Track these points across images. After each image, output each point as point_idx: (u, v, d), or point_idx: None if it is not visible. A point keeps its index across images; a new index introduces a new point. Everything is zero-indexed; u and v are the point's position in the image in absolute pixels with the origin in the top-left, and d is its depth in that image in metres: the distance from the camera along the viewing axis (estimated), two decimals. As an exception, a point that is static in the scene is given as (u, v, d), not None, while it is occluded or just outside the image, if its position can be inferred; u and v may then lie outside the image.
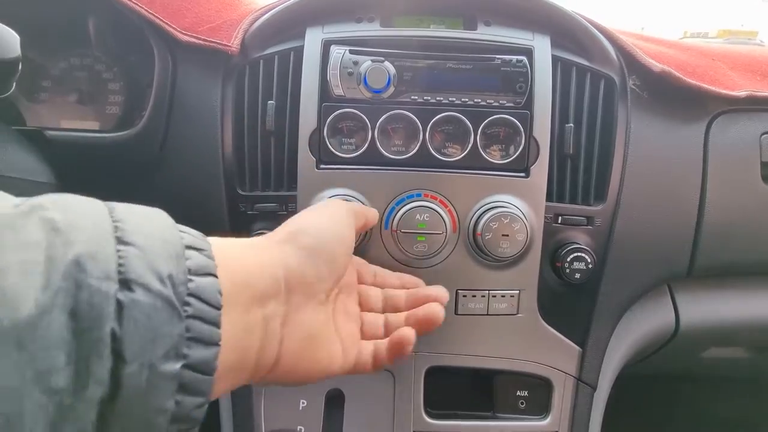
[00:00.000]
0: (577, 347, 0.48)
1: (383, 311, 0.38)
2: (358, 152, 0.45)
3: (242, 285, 0.25)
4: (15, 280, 0.16)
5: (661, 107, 0.49)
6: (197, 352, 0.20)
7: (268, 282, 0.27)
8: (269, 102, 0.46)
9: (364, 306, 0.38)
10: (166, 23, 0.46)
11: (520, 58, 0.45)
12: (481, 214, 0.43)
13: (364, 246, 0.44)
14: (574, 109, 0.47)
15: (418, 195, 0.44)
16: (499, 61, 0.45)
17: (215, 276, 0.22)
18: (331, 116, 0.44)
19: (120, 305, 0.18)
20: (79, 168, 0.49)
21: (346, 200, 0.43)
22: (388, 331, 0.37)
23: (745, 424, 0.85)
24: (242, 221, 0.48)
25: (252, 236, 0.46)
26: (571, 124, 0.46)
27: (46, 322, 0.16)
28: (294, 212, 0.46)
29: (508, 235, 0.42)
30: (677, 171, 0.49)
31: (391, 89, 0.44)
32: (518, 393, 0.48)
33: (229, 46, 0.46)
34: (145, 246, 0.20)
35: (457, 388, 0.50)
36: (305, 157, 0.45)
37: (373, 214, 0.41)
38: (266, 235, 0.31)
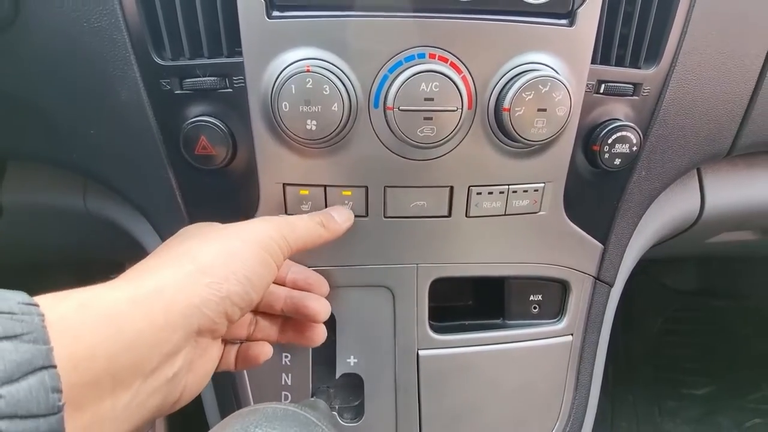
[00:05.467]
0: (599, 244, 0.42)
1: (256, 308, 0.34)
2: (330, -12, 0.29)
3: (131, 357, 0.21)
4: None
5: None
6: None
7: (180, 336, 0.23)
8: None
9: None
10: None
11: None
12: (508, 81, 0.31)
13: (347, 134, 0.32)
14: None
15: (422, 55, 0.31)
16: None
17: (48, 367, 0.17)
18: (282, -77, 0.28)
19: None
20: None
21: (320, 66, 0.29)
22: (253, 333, 0.34)
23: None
24: (171, 106, 0.34)
25: (188, 127, 0.33)
26: (633, -56, 0.32)
27: None
28: (243, 88, 0.32)
29: (545, 110, 0.31)
30: (748, 17, 0.37)
31: None
32: (531, 298, 0.42)
33: None
34: None
35: (463, 297, 0.44)
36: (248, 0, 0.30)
37: (312, 235, 0.32)
38: (178, 267, 0.25)
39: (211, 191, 0.36)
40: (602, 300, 0.44)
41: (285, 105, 0.30)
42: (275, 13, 0.30)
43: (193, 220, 0.38)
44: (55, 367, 0.17)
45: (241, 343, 0.34)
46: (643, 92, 0.37)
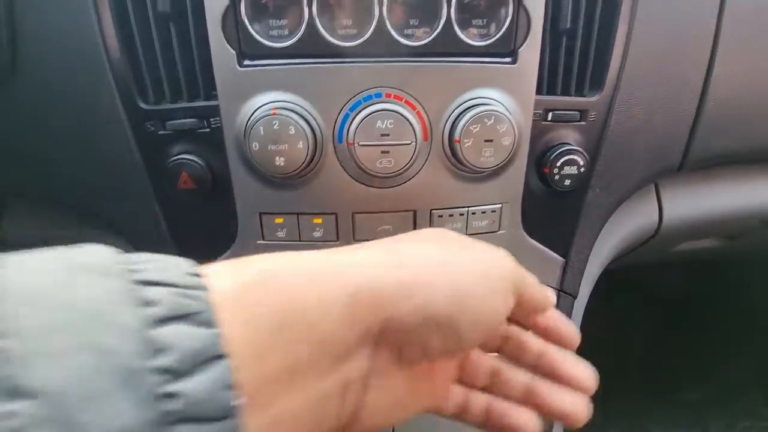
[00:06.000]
0: (560, 258, 0.44)
1: (487, 389, 0.26)
2: (293, 39, 0.33)
3: (309, 349, 0.17)
4: None
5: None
6: None
7: (357, 334, 0.18)
8: (155, -32, 0.32)
9: (464, 377, 0.26)
10: None
11: None
12: (458, 116, 0.34)
13: (315, 167, 0.35)
14: (573, -35, 0.36)
15: (378, 95, 0.34)
16: None
17: (223, 357, 0.14)
18: (248, -14, 0.31)
19: None
20: None
21: (286, 108, 0.33)
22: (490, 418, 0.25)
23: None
24: (154, 145, 0.37)
25: (171, 164, 0.37)
26: (570, -12, 0.36)
27: None
28: (219, 128, 0.36)
29: (491, 140, 0.34)
30: (686, 41, 0.41)
31: (330, -60, 0.31)
32: (499, 310, 0.45)
33: None
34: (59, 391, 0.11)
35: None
36: (221, 51, 0.33)
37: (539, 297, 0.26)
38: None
39: (194, 222, 0.40)
40: (566, 310, 0.46)
41: (255, 144, 0.33)
42: (246, 62, 0.34)
43: (178, 248, 0.41)
44: (227, 357, 0.14)
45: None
46: (590, 118, 0.40)
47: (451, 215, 0.39)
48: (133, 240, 0.42)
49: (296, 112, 0.33)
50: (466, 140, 0.34)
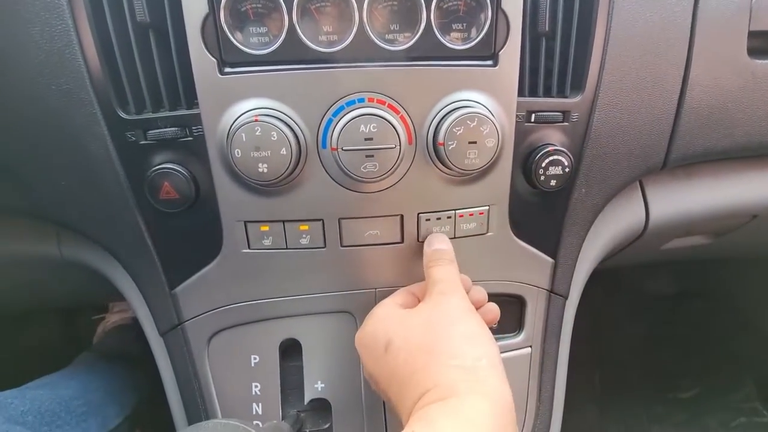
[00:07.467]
0: (549, 259, 0.44)
1: None
2: (274, 46, 0.33)
3: None
4: None
5: (651, -37, 0.39)
6: None
7: None
8: (133, -22, 0.32)
9: None
10: None
11: None
12: (442, 119, 0.34)
13: (299, 173, 0.35)
14: (550, -30, 0.36)
15: (361, 100, 0.34)
16: None
17: None
18: (227, -7, 0.31)
19: None
20: None
21: (268, 115, 0.33)
22: None
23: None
24: (137, 155, 0.36)
25: (152, 174, 0.36)
26: (547, -8, 0.36)
27: None
28: (202, 137, 0.35)
29: (475, 142, 0.34)
30: (662, 46, 0.41)
31: (308, -53, 0.31)
32: (490, 313, 0.44)
33: None
34: None
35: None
36: (201, 59, 0.33)
37: None
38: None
39: (177, 232, 0.39)
40: (558, 312, 0.46)
41: (237, 152, 0.33)
42: (227, 70, 0.33)
43: (162, 259, 0.40)
44: None
45: None
46: (572, 118, 0.40)
47: (438, 218, 0.39)
48: (115, 252, 0.41)
49: (279, 119, 0.33)
50: (450, 143, 0.34)
